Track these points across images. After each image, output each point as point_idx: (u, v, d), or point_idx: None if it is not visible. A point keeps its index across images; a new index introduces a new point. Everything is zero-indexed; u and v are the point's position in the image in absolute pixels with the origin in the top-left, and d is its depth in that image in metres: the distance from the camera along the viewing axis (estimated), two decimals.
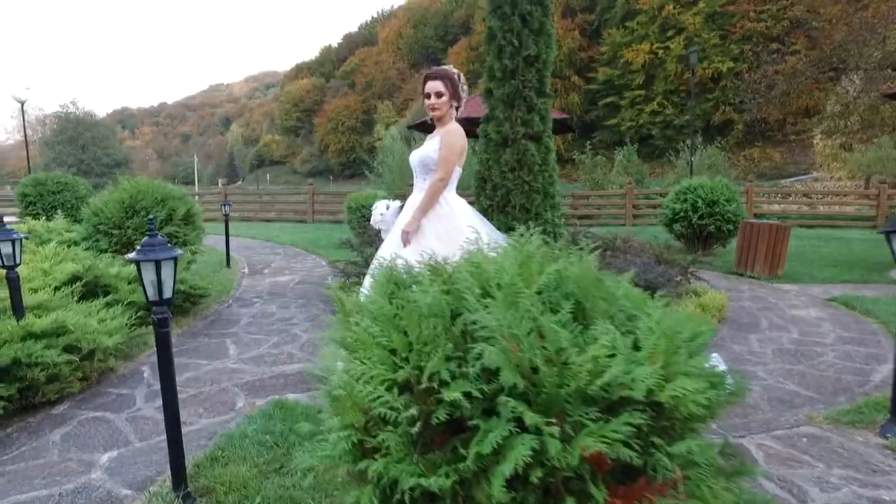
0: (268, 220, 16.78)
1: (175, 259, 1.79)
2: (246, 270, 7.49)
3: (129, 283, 4.25)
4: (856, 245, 10.51)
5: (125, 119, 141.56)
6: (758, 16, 51.23)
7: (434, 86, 3.02)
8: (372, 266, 3.12)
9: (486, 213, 5.27)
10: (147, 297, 1.79)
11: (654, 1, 52.75)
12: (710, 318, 4.44)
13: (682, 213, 8.57)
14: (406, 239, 2.95)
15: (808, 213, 16.69)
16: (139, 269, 1.75)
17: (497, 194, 5.12)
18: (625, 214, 16.01)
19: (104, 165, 52.83)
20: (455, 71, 3.07)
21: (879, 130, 25.05)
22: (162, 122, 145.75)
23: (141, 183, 5.54)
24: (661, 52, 53.71)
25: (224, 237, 7.70)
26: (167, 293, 1.79)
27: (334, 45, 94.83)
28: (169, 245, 1.80)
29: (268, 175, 72.26)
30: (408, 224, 2.97)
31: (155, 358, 3.78)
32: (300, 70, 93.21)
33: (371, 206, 9.55)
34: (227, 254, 7.59)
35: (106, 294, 3.98)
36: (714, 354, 3.43)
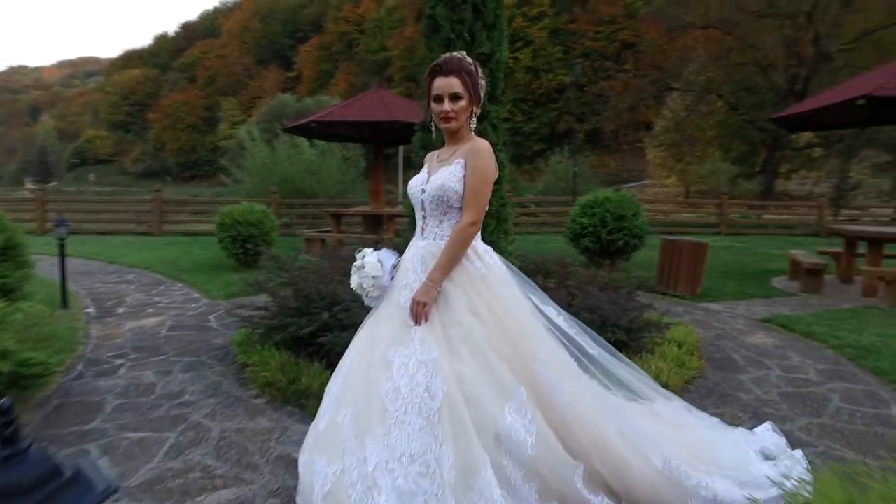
0: (104, 233, 14.04)
1: None
2: (92, 311, 5.73)
3: None
4: (719, 253, 11.22)
5: None
6: (595, 35, 55.79)
7: (448, 84, 2.08)
8: (346, 366, 2.09)
9: None
10: None
11: (504, 13, 55.10)
12: (697, 359, 3.99)
13: (591, 228, 8.37)
14: (421, 312, 1.97)
15: (665, 221, 17.99)
16: None
17: None
18: None
19: None
20: (471, 60, 2.15)
21: (704, 147, 28.34)
22: None
23: None
24: (510, 62, 56.34)
25: (53, 259, 5.87)
26: None
27: (171, 33, 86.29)
28: None
29: (91, 175, 63.37)
30: (423, 291, 1.99)
31: None
32: (130, 58, 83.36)
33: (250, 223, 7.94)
34: (64, 289, 5.76)
35: None
36: (766, 427, 2.90)
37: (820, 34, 22.79)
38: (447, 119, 2.10)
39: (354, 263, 2.18)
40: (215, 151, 56.40)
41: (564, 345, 2.16)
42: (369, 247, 2.27)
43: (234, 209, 7.91)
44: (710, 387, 3.69)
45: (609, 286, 4.97)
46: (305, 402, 3.21)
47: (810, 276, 7.23)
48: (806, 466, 2.36)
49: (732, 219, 17.53)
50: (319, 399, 3.14)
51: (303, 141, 16.06)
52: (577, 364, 2.17)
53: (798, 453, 2.48)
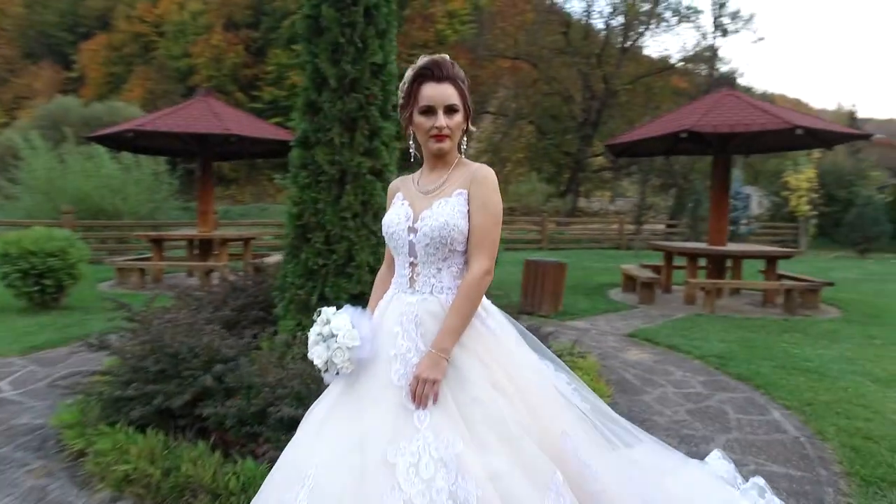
0: None
1: None
2: None
3: None
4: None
5: None
6: (409, 57, 57.68)
7: (443, 94, 1.64)
8: (313, 473, 1.50)
9: (312, 275, 3.77)
10: None
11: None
12: (605, 385, 3.98)
13: None
14: (429, 393, 1.48)
15: None
16: None
17: (335, 249, 3.68)
18: None
19: None
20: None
21: (514, 167, 30.84)
22: None
23: None
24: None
25: None
26: None
27: None
28: None
29: None
30: (429, 364, 1.51)
31: None
32: None
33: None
34: None
35: None
36: (716, 454, 2.88)
37: (607, 74, 26.24)
38: (440, 137, 1.65)
39: (316, 330, 1.60)
40: None
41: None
42: (325, 304, 1.70)
43: (24, 236, 6.21)
44: (625, 413, 3.63)
45: None
46: (193, 500, 2.43)
47: (645, 289, 7.96)
48: (778, 499, 2.35)
49: (551, 235, 19.12)
50: (214, 495, 2.43)
51: (100, 151, 13.65)
52: None
53: (759, 480, 2.47)
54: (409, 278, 1.69)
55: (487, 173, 1.67)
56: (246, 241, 9.87)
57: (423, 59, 1.67)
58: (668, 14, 25.67)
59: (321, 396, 1.76)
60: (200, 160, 9.18)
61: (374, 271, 3.78)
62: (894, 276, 12.07)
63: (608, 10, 26.48)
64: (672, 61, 28.10)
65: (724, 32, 26.54)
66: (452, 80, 1.64)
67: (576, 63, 26.30)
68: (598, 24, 28.10)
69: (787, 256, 8.16)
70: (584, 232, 21.76)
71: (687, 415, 3.67)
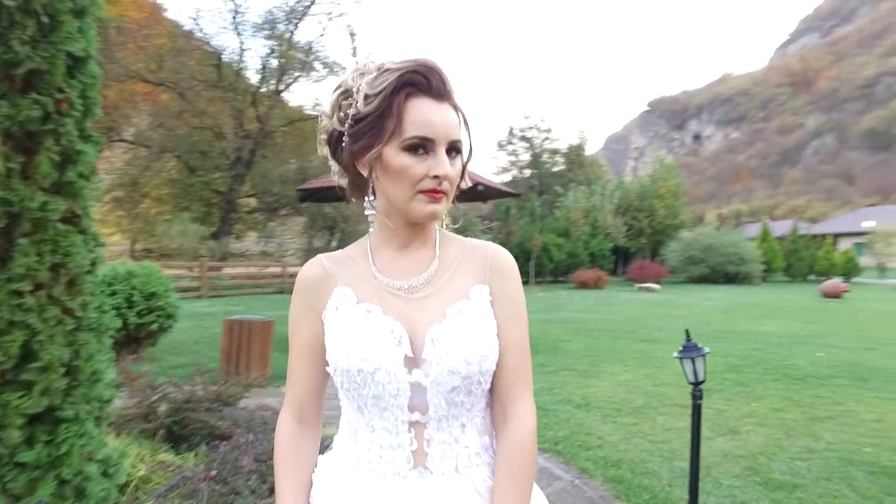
0: None
1: None
2: None
3: None
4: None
5: None
6: None
7: (449, 122, 0.94)
8: None
9: None
10: None
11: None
12: None
13: (114, 312, 6.43)
14: None
15: None
16: None
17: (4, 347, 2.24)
18: None
19: None
20: None
21: (156, 205, 27.32)
22: None
23: None
24: None
25: None
26: None
27: None
28: None
29: None
30: None
31: None
32: None
33: None
34: None
35: None
36: None
37: (261, 114, 25.80)
38: (437, 194, 0.96)
39: None
40: None
41: None
42: None
43: None
44: None
45: (221, 399, 3.85)
46: None
47: None
48: None
49: (212, 281, 17.29)
50: None
51: None
52: None
53: None
54: (415, 451, 0.93)
55: (509, 257, 1.04)
56: None
57: (402, 60, 0.97)
58: (318, 65, 26.88)
59: None
60: None
61: (70, 372, 2.46)
62: None
63: (266, 50, 26.21)
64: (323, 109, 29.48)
65: None
66: (451, 99, 0.99)
67: (228, 99, 25.02)
68: (255, 62, 27.59)
69: None
70: (243, 277, 20.49)
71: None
